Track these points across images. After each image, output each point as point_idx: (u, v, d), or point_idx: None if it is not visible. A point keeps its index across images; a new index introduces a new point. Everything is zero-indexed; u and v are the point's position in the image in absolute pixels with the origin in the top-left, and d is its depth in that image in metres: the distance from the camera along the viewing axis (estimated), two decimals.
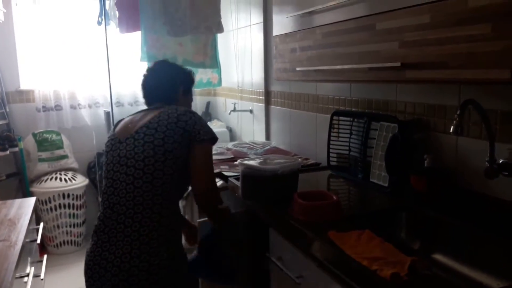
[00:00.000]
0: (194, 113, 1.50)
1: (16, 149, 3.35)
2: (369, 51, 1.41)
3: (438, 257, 1.25)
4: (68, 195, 3.41)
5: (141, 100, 4.28)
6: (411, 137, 1.61)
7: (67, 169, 3.55)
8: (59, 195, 3.37)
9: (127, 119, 1.59)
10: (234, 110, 3.29)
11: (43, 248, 3.38)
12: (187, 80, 1.74)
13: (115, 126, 1.60)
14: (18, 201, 2.00)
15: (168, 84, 1.65)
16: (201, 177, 1.44)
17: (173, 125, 1.42)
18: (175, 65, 1.74)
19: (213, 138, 1.48)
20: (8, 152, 3.28)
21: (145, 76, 1.69)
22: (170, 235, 1.41)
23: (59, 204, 3.39)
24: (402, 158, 1.59)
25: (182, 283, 1.45)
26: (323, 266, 1.17)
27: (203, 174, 1.45)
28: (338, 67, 1.56)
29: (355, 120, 1.92)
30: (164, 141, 1.38)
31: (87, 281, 1.41)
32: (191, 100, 1.79)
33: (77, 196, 3.46)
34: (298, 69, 1.85)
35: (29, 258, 1.75)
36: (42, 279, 1.79)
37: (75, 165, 3.61)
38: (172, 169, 1.40)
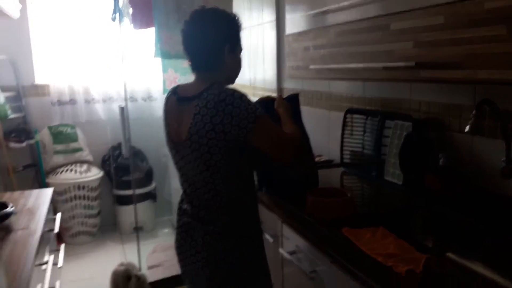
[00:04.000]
0: (227, 104, 1.23)
1: (32, 141, 3.42)
2: (383, 50, 1.42)
3: (453, 256, 1.26)
4: (83, 187, 3.47)
5: (155, 95, 4.29)
6: (426, 136, 1.62)
7: (82, 162, 3.61)
8: (74, 186, 3.43)
9: (172, 105, 1.40)
10: None
11: (60, 237, 3.45)
12: (234, 31, 1.37)
13: (166, 104, 1.44)
14: (36, 191, 2.04)
15: (209, 48, 1.33)
16: (277, 156, 1.35)
17: (212, 133, 1.25)
18: (215, 14, 1.35)
19: (257, 117, 1.26)
20: (24, 144, 3.35)
21: (182, 37, 1.38)
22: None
23: (74, 196, 3.45)
24: (417, 156, 1.60)
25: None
26: (337, 262, 1.19)
27: (276, 153, 1.34)
28: (352, 65, 1.58)
29: (369, 118, 1.93)
30: (210, 153, 1.28)
31: None
32: (239, 52, 1.41)
33: (92, 188, 3.53)
34: (311, 67, 1.87)
35: (47, 247, 1.78)
36: (60, 267, 1.84)
37: (90, 157, 3.67)
38: (228, 171, 1.34)
